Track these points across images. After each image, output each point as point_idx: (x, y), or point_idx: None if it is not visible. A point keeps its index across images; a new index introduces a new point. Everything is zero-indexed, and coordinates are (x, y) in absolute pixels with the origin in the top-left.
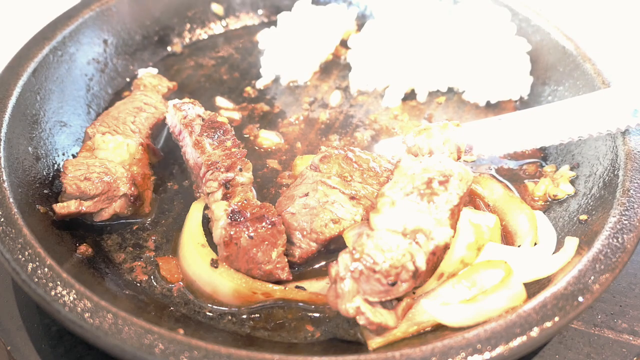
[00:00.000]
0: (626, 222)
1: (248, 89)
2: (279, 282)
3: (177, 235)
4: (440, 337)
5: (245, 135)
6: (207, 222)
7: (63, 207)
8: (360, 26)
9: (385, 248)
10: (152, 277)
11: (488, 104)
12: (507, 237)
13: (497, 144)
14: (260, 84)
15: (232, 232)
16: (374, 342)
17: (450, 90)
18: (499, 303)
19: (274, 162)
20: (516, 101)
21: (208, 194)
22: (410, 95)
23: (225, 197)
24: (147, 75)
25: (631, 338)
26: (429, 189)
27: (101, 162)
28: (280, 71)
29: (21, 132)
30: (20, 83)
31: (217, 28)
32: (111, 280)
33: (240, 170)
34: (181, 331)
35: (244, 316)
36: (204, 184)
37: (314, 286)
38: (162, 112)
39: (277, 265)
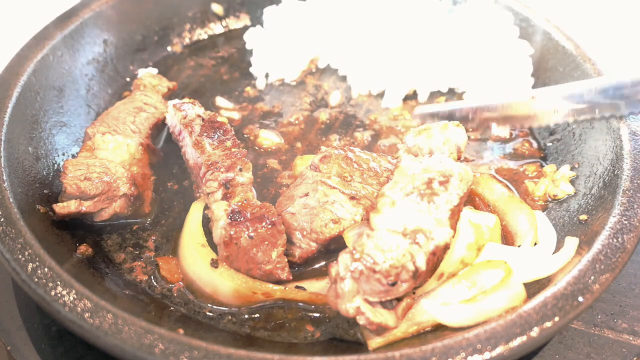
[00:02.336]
0: (626, 222)
1: (248, 89)
2: (279, 282)
3: (177, 235)
4: (440, 337)
5: (245, 135)
6: (207, 222)
7: (63, 207)
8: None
9: (385, 248)
10: (152, 277)
11: None
12: (507, 237)
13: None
14: (260, 84)
15: (232, 232)
16: (374, 342)
17: (450, 90)
18: (499, 303)
19: (274, 162)
20: None
21: (208, 194)
22: (410, 95)
23: (225, 197)
24: (147, 75)
25: (631, 338)
26: (429, 189)
27: (101, 162)
28: (269, 69)
29: (21, 132)
30: (20, 83)
31: (217, 28)
32: (111, 280)
33: (240, 170)
34: (181, 331)
35: (244, 316)
36: (204, 184)
37: (314, 286)
38: (162, 112)
39: (277, 265)
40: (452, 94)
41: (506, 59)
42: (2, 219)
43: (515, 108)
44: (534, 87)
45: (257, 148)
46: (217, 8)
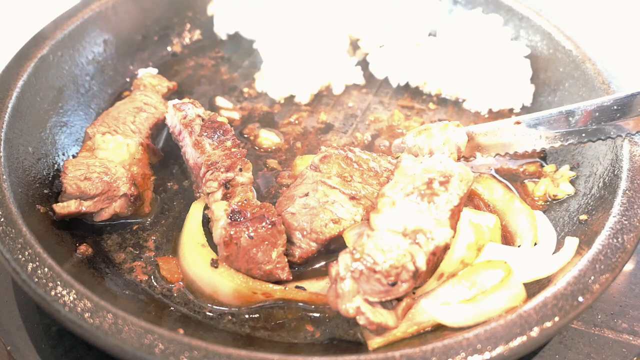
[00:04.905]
0: (626, 222)
1: (248, 89)
2: (279, 282)
3: (177, 235)
4: (440, 337)
5: (245, 135)
6: (207, 222)
7: (63, 207)
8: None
9: (385, 248)
10: (152, 277)
11: (490, 112)
12: (507, 237)
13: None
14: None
15: (232, 232)
16: (374, 342)
17: (448, 100)
18: (499, 303)
19: (274, 162)
20: (520, 110)
21: (208, 194)
22: (415, 95)
23: (225, 197)
24: (147, 75)
25: (631, 338)
26: (430, 190)
27: (101, 162)
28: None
29: (21, 132)
30: (20, 83)
31: (217, 28)
32: (111, 280)
33: (240, 170)
34: (181, 331)
35: (244, 316)
36: (204, 184)
37: (314, 286)
38: (162, 112)
39: (277, 265)
40: (454, 103)
41: (502, 62)
42: (2, 219)
43: (499, 134)
44: (535, 87)
45: (257, 148)
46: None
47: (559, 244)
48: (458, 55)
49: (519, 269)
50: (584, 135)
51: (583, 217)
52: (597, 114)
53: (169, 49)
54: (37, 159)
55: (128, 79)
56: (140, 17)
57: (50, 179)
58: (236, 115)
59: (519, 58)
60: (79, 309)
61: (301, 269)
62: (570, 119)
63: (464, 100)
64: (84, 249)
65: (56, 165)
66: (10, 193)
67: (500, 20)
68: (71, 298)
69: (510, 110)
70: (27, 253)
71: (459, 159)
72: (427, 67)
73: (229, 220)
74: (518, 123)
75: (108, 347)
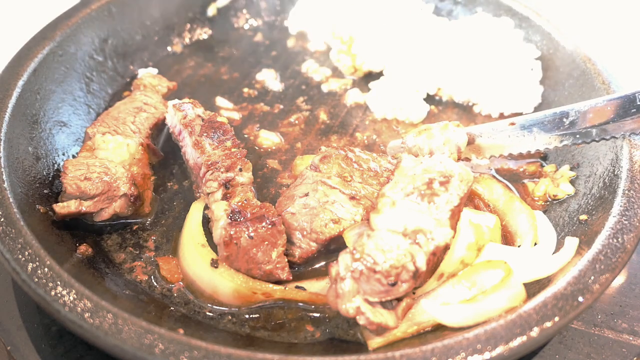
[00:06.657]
0: (626, 222)
1: (248, 89)
2: (279, 282)
3: (177, 235)
4: (440, 337)
5: (245, 135)
6: (207, 222)
7: (63, 207)
8: None
9: (385, 248)
10: (152, 277)
11: (502, 116)
12: (507, 237)
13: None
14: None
15: (232, 232)
16: (374, 342)
17: (460, 104)
18: (499, 303)
19: (274, 162)
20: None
21: (208, 194)
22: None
23: (225, 197)
24: (147, 75)
25: (631, 338)
26: (430, 190)
27: (101, 162)
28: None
29: (21, 132)
30: (20, 83)
31: (217, 28)
32: (111, 280)
33: (240, 170)
34: (181, 331)
35: (244, 316)
36: (204, 184)
37: (314, 286)
38: (162, 112)
39: (277, 265)
40: (454, 104)
41: (514, 64)
42: (2, 219)
43: (494, 136)
44: None
45: (257, 148)
46: (216, 9)
47: (559, 244)
48: (469, 58)
49: (519, 269)
50: (578, 136)
51: (583, 217)
52: (590, 115)
53: (169, 49)
54: (37, 159)
55: (128, 79)
56: (140, 17)
57: (50, 179)
58: (236, 115)
59: (530, 60)
60: (79, 309)
61: (301, 269)
62: (564, 120)
63: (474, 105)
64: (84, 249)
65: (56, 165)
66: (10, 193)
67: (511, 23)
68: (71, 298)
69: (521, 114)
70: (27, 253)
71: (459, 159)
72: (438, 72)
73: (229, 220)
74: (512, 124)
75: (108, 347)
